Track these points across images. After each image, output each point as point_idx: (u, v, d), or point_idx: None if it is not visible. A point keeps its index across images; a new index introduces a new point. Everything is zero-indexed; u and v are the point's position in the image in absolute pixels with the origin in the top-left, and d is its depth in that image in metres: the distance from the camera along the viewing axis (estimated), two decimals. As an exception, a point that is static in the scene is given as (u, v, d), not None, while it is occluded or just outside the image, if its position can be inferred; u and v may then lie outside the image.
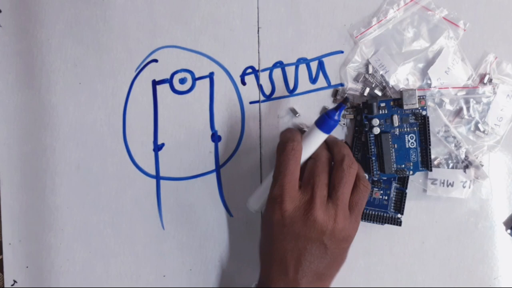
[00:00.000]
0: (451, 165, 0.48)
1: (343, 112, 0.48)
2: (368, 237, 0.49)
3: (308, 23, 0.49)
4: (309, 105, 0.49)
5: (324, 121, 0.42)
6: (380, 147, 0.45)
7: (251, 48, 0.49)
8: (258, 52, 0.49)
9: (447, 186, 0.47)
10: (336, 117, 0.42)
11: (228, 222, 0.49)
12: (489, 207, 0.49)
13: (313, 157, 0.43)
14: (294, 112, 0.49)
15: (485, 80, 0.47)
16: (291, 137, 0.42)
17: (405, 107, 0.45)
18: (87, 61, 0.50)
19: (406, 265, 0.49)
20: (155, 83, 0.49)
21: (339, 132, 0.49)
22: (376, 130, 0.46)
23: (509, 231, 0.49)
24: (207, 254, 0.49)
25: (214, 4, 0.49)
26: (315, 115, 0.49)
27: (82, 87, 0.50)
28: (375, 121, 0.46)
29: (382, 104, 0.46)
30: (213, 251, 0.49)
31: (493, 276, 0.49)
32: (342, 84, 0.49)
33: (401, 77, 0.48)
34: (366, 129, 0.46)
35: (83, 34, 0.49)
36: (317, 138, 0.43)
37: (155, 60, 0.49)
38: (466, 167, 0.47)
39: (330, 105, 0.49)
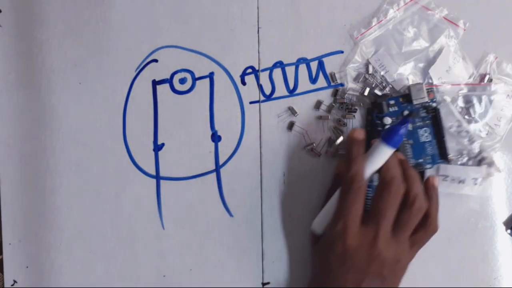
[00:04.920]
0: (463, 161, 0.47)
1: (344, 113, 0.49)
2: (368, 237, 0.49)
3: (308, 23, 0.49)
4: (309, 105, 0.49)
5: (391, 134, 0.41)
6: None
7: (251, 48, 0.49)
8: (258, 52, 0.49)
9: (458, 182, 0.47)
10: (402, 131, 0.40)
11: (228, 222, 0.49)
12: (489, 207, 0.49)
13: (382, 184, 0.41)
14: (293, 111, 0.49)
15: (485, 80, 0.47)
16: (356, 174, 0.41)
17: (414, 102, 0.45)
18: (87, 61, 0.50)
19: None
20: (155, 83, 0.49)
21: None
22: None
23: (509, 231, 0.48)
24: (207, 254, 0.49)
25: (214, 4, 0.49)
26: (315, 115, 0.49)
27: (82, 87, 0.50)
28: (387, 120, 0.45)
29: (391, 102, 0.46)
30: (213, 251, 0.49)
31: (493, 276, 0.49)
32: (342, 84, 0.49)
33: (402, 77, 0.48)
34: (379, 128, 0.46)
35: (83, 34, 0.49)
36: (384, 154, 0.41)
37: (155, 60, 0.49)
38: (480, 161, 0.47)
39: (329, 104, 0.49)
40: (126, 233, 0.50)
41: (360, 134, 0.43)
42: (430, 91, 0.45)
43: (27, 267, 0.50)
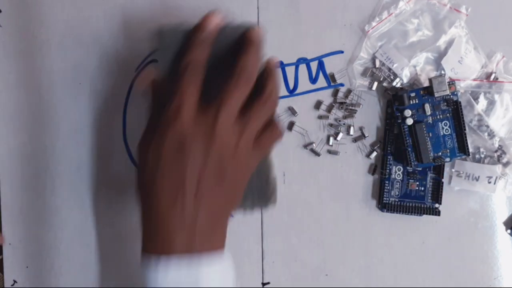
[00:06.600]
0: (480, 156, 0.48)
1: (344, 113, 0.49)
2: (368, 237, 0.49)
3: (308, 23, 0.49)
4: (309, 105, 0.49)
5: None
6: (415, 137, 0.45)
7: (251, 48, 0.49)
8: (258, 52, 0.49)
9: (472, 179, 0.47)
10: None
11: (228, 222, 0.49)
12: (489, 207, 0.49)
13: (233, 71, 0.37)
14: (293, 111, 0.49)
15: (491, 79, 0.48)
16: (195, 58, 0.37)
17: (436, 94, 0.45)
18: (87, 61, 0.50)
19: (406, 265, 0.49)
20: (155, 83, 0.49)
21: (371, 125, 0.49)
22: (409, 121, 0.45)
23: (509, 231, 0.49)
24: None
25: (214, 4, 0.49)
26: (315, 115, 0.49)
27: (82, 87, 0.50)
28: (407, 112, 0.45)
29: (412, 94, 0.46)
30: (213, 251, 0.49)
31: (493, 276, 0.49)
32: (342, 84, 0.49)
33: (412, 69, 0.48)
34: (399, 121, 0.46)
35: (83, 34, 0.49)
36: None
37: (155, 60, 0.49)
38: (500, 156, 0.47)
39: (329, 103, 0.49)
40: (126, 233, 0.50)
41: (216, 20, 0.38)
42: (452, 84, 0.45)
43: (27, 267, 0.50)
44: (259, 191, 0.45)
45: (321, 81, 0.49)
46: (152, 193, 0.36)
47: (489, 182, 0.47)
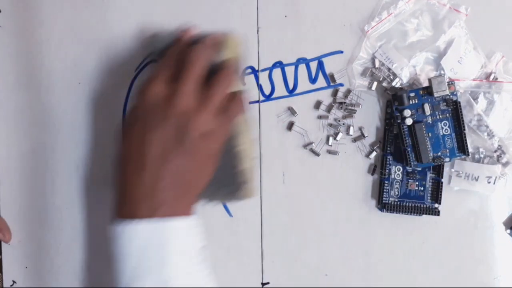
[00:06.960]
0: (479, 156, 0.48)
1: (343, 113, 0.49)
2: (368, 237, 0.49)
3: (308, 23, 0.49)
4: (309, 105, 0.49)
5: None
6: (415, 137, 0.45)
7: (251, 48, 0.49)
8: (258, 52, 0.49)
9: (472, 179, 0.47)
10: None
11: (228, 222, 0.49)
12: (489, 207, 0.49)
13: (190, 53, 0.43)
14: (292, 111, 0.49)
15: (491, 78, 0.48)
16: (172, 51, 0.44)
17: (435, 94, 0.45)
18: (87, 61, 0.50)
19: (406, 265, 0.49)
20: (155, 83, 0.49)
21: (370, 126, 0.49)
22: (409, 121, 0.46)
23: (509, 231, 0.49)
24: (206, 254, 0.49)
25: (214, 4, 0.49)
26: (314, 115, 0.49)
27: (82, 87, 0.50)
28: (407, 112, 0.45)
29: (412, 94, 0.46)
30: (213, 251, 0.49)
31: (493, 276, 0.49)
32: (341, 84, 0.49)
33: (411, 69, 0.48)
34: (399, 121, 0.46)
35: (83, 34, 0.49)
36: None
37: (155, 60, 0.49)
38: (499, 156, 0.47)
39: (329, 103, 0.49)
40: (126, 233, 0.50)
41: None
42: (451, 84, 0.46)
43: (26, 267, 0.50)
44: (228, 184, 0.45)
45: (321, 81, 0.49)
46: (123, 159, 0.42)
47: (489, 182, 0.47)
